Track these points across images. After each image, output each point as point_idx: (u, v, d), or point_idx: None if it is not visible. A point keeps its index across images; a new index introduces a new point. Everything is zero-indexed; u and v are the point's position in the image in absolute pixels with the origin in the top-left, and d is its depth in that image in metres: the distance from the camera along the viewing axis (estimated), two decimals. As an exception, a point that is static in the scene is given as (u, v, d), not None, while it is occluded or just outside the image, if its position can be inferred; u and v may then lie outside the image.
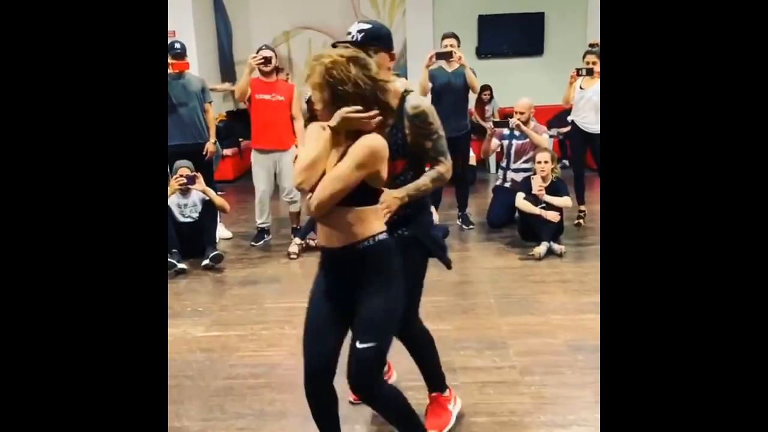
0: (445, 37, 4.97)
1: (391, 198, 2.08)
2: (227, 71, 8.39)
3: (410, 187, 2.16)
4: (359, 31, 2.12)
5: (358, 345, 1.86)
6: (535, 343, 3.17)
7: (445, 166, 2.23)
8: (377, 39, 2.13)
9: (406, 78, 5.40)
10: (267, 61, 4.72)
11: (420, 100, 2.19)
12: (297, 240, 4.82)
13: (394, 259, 1.93)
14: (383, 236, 1.89)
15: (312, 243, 4.83)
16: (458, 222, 5.33)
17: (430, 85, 4.99)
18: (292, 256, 4.72)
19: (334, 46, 2.01)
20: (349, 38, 2.12)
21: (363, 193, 1.84)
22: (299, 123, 4.98)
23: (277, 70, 5.02)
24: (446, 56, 4.87)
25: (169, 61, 4.87)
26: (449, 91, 4.98)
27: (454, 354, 3.06)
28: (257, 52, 4.75)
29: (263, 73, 4.80)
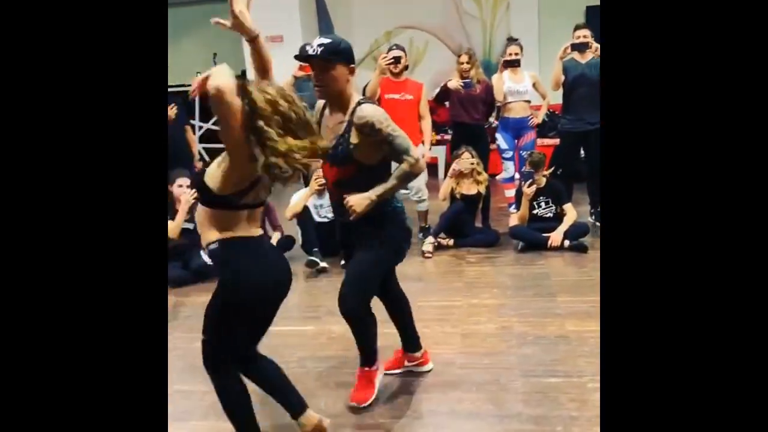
0: (577, 28, 4.84)
1: (358, 200, 2.29)
2: (331, 73, 8.48)
3: (378, 189, 2.33)
4: (319, 45, 2.27)
5: None
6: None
7: (408, 163, 2.35)
8: (336, 53, 2.28)
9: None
10: (396, 60, 4.72)
11: (366, 111, 2.30)
12: (430, 239, 4.80)
13: None
14: None
15: (444, 242, 4.81)
16: (591, 219, 5.16)
17: (563, 77, 4.87)
18: (427, 255, 4.69)
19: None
20: (310, 52, 2.26)
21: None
22: (426, 121, 4.96)
23: (405, 68, 5.01)
24: (582, 47, 4.74)
25: (302, 64, 4.95)
26: (583, 83, 4.83)
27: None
28: (387, 52, 4.75)
29: (392, 74, 4.80)
